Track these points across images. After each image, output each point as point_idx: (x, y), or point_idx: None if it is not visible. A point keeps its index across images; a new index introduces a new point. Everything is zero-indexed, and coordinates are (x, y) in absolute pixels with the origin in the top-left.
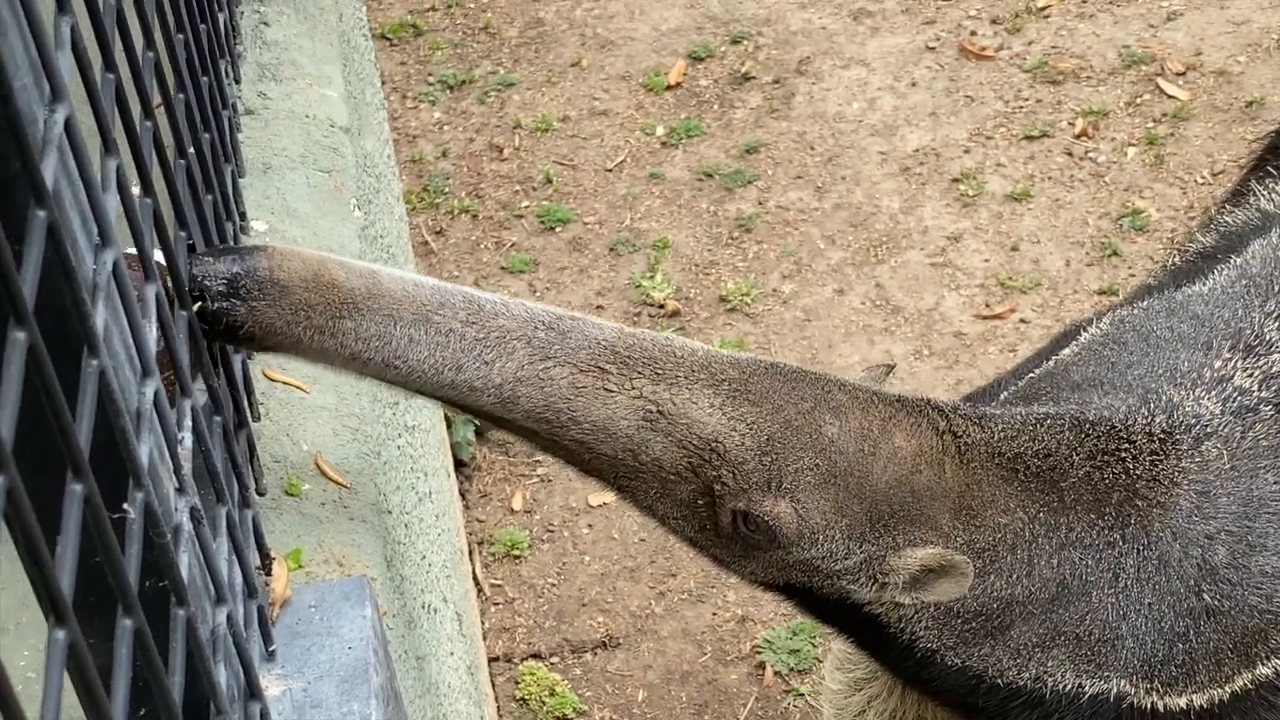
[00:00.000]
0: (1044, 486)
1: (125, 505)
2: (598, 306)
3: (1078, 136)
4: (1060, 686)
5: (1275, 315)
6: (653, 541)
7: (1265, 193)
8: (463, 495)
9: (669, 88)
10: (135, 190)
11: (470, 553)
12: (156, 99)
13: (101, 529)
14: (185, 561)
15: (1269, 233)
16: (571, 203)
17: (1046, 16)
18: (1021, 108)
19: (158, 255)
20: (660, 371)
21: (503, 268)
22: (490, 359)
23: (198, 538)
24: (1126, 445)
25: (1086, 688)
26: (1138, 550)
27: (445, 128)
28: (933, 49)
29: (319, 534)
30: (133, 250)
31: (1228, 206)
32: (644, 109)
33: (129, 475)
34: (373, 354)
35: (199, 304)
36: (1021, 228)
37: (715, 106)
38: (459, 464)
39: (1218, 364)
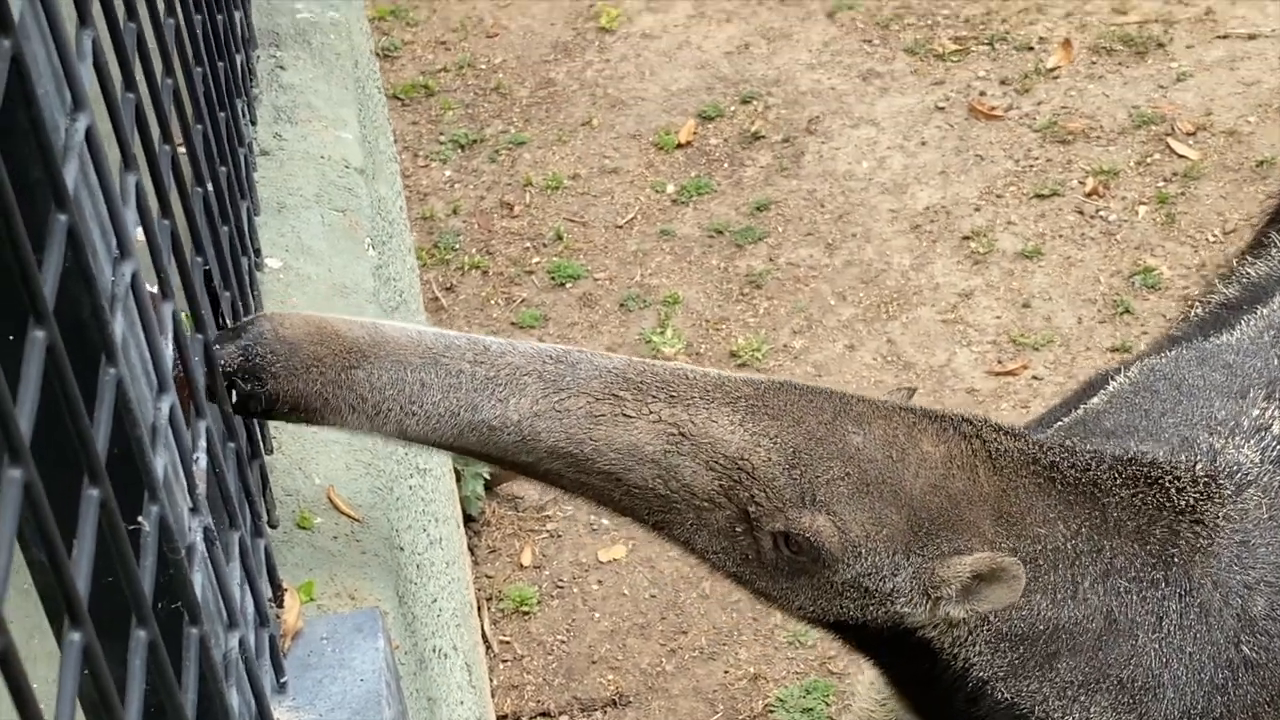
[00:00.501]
0: (1084, 501)
1: (140, 519)
2: None
3: (1088, 195)
4: None
5: None
6: (663, 598)
7: (1267, 261)
8: (471, 551)
9: (679, 146)
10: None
11: (479, 608)
12: (176, 130)
13: (116, 534)
14: (199, 581)
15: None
16: (582, 259)
17: (1056, 78)
18: (1032, 166)
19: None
20: (675, 395)
21: (513, 323)
22: (504, 396)
23: (210, 559)
24: (1170, 479)
25: None
26: (1179, 595)
27: (456, 185)
28: (942, 109)
29: (331, 567)
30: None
31: (1248, 258)
32: (654, 167)
33: (144, 488)
34: (389, 404)
35: (233, 393)
36: (1033, 285)
37: (725, 165)
38: (468, 519)
39: (1255, 412)
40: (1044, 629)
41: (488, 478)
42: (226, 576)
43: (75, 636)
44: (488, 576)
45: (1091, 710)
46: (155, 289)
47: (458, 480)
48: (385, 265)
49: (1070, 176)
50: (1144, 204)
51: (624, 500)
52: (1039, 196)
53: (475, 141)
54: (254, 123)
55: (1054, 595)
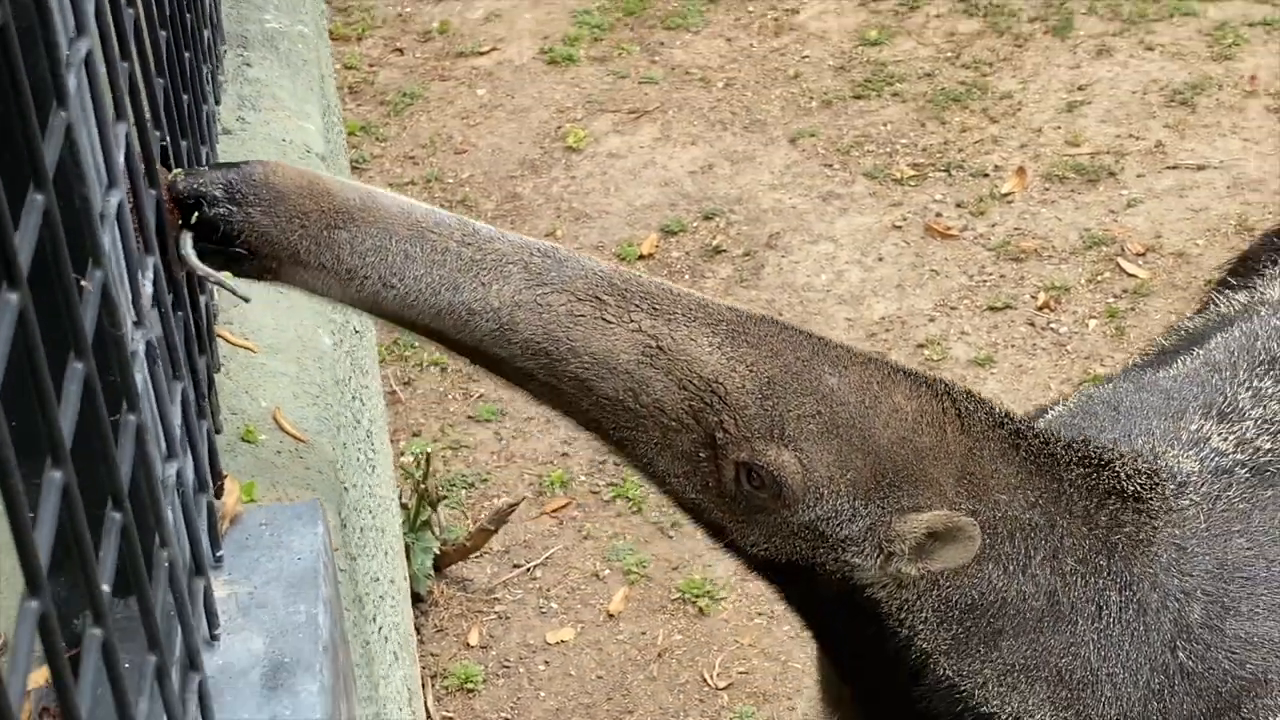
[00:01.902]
0: (1043, 474)
1: (83, 281)
2: (563, 454)
3: (1040, 309)
4: None
5: (1247, 385)
6: (610, 679)
7: (1224, 300)
8: (418, 630)
9: (641, 257)
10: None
11: (424, 685)
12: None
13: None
14: (140, 380)
15: (1230, 328)
16: None
17: (1010, 202)
18: (985, 281)
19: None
20: (658, 307)
21: (469, 416)
22: (488, 281)
23: (152, 378)
24: (1120, 463)
25: None
26: (1119, 587)
27: None
28: (899, 228)
29: (273, 476)
30: None
31: (1190, 316)
32: None
33: (88, 256)
34: (369, 270)
35: (197, 212)
36: (985, 390)
37: (686, 275)
38: (416, 598)
39: (1193, 427)
40: (992, 601)
41: (438, 553)
42: (166, 397)
43: None
44: (433, 655)
45: (1030, 701)
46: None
47: (407, 554)
48: None
49: (1023, 291)
50: (1094, 318)
51: (592, 411)
52: (992, 309)
53: None
54: (218, 101)
55: (1006, 566)
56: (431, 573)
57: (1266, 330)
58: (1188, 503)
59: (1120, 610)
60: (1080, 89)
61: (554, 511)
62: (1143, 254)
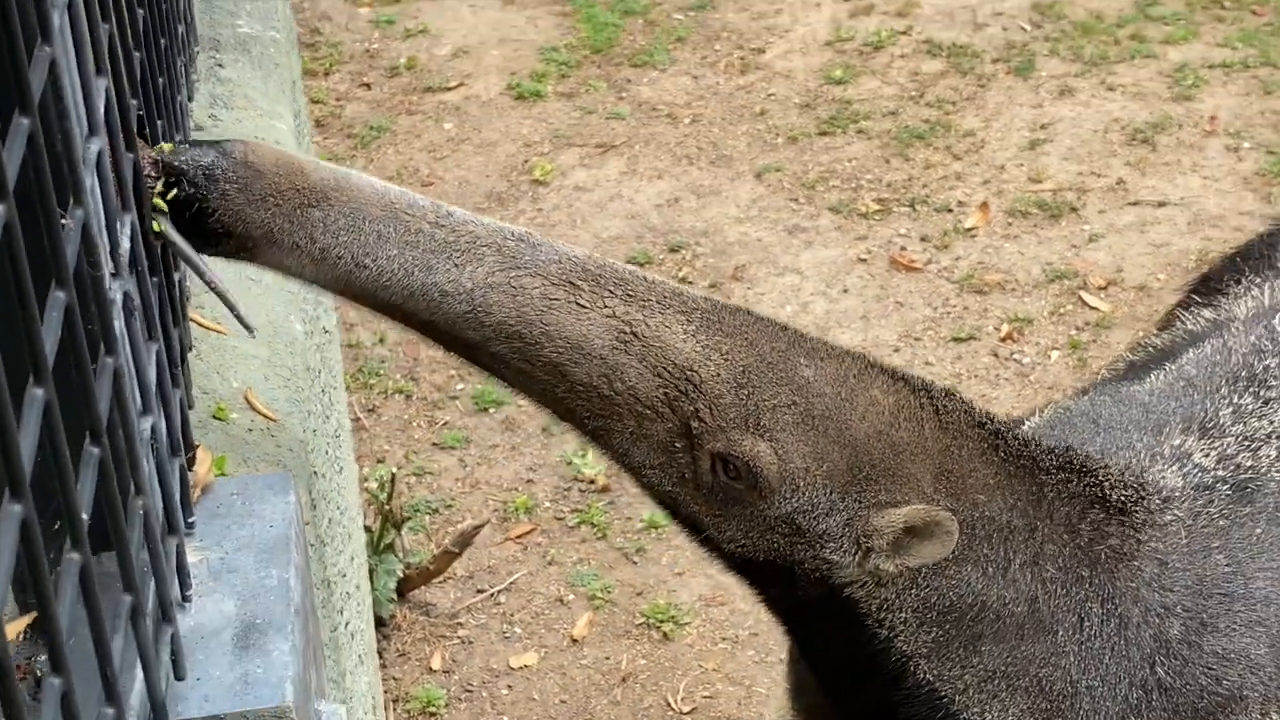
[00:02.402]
0: (1023, 476)
1: (65, 218)
2: (528, 481)
3: (1003, 340)
4: None
5: (1228, 401)
6: (574, 704)
7: (1190, 318)
8: (380, 654)
9: None
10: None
11: (385, 709)
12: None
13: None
14: (118, 328)
15: (1201, 344)
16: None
17: (973, 236)
18: (949, 313)
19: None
20: (633, 293)
21: (434, 444)
22: (461, 262)
23: (128, 332)
24: (1104, 473)
25: None
26: (1101, 599)
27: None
28: (864, 260)
29: (245, 453)
30: None
31: (1156, 332)
32: None
33: (70, 195)
34: (342, 250)
35: (175, 188)
36: None
37: None
38: (379, 622)
39: (1175, 442)
40: (971, 604)
41: (401, 577)
42: (142, 351)
43: None
44: (395, 679)
45: (1010, 711)
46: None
47: (370, 577)
48: None
49: (986, 323)
50: (1057, 349)
51: (566, 398)
52: (956, 340)
53: None
54: (190, 98)
55: (985, 569)
56: (395, 596)
57: (1242, 347)
58: (1171, 518)
59: (1102, 623)
60: (1042, 127)
61: (518, 537)
62: (1104, 287)
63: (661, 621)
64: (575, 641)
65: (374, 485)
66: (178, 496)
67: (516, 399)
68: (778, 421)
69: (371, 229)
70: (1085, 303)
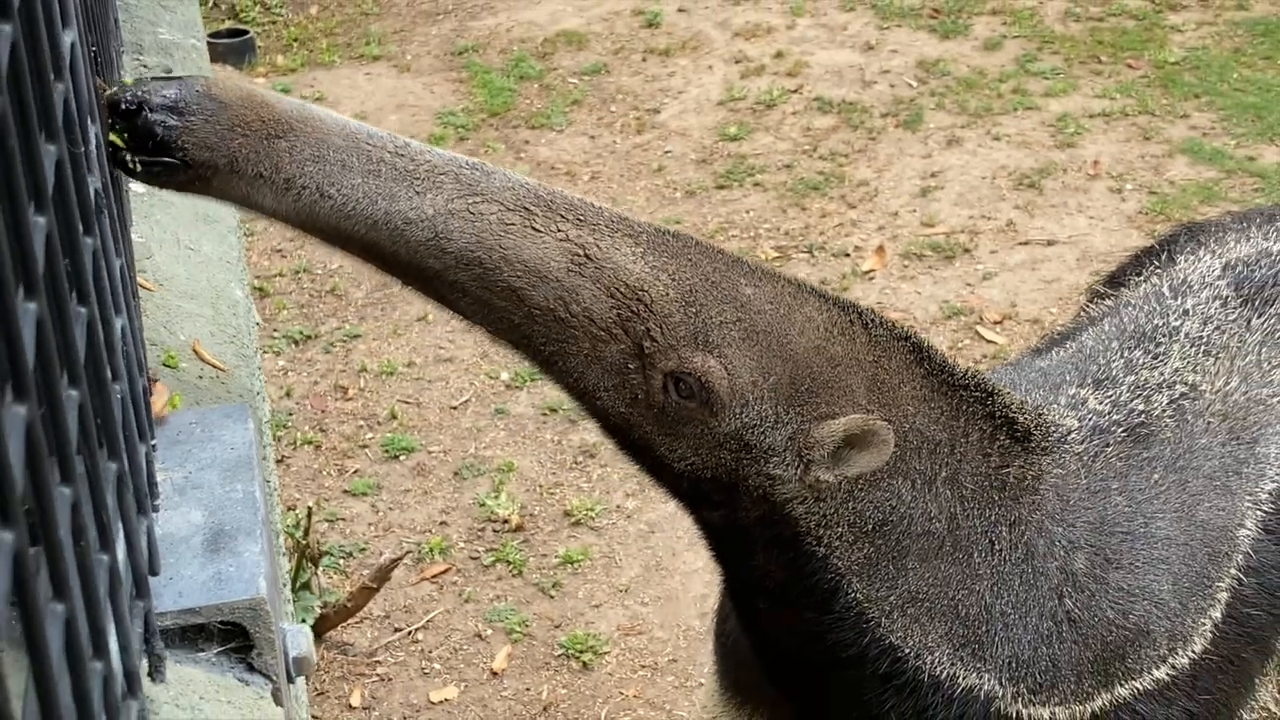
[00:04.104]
0: (945, 392)
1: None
2: (442, 523)
3: None
4: (937, 670)
5: (1119, 355)
6: None
7: (1092, 307)
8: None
9: None
10: None
11: None
12: None
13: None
14: (89, 246)
15: (1098, 323)
16: (416, 435)
17: (871, 279)
18: None
19: None
20: (583, 218)
21: (345, 491)
22: (422, 190)
23: (99, 232)
24: (1010, 399)
25: (960, 678)
26: (1009, 524)
27: (290, 373)
28: None
29: (197, 397)
30: None
31: (1062, 325)
32: (489, 357)
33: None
34: (306, 179)
35: (139, 116)
36: None
37: None
38: None
39: (1071, 392)
40: (902, 516)
41: (319, 615)
42: (113, 262)
43: None
44: (315, 716)
45: (930, 636)
46: None
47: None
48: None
49: None
50: None
51: (523, 325)
52: None
53: (310, 337)
54: None
55: (914, 481)
56: (311, 636)
57: (1133, 312)
58: (1069, 454)
59: (1011, 548)
60: (932, 175)
61: (434, 577)
62: (1000, 322)
63: (580, 652)
64: (495, 675)
65: (290, 523)
66: (144, 407)
67: (428, 447)
68: (725, 338)
69: (336, 158)
70: (982, 336)
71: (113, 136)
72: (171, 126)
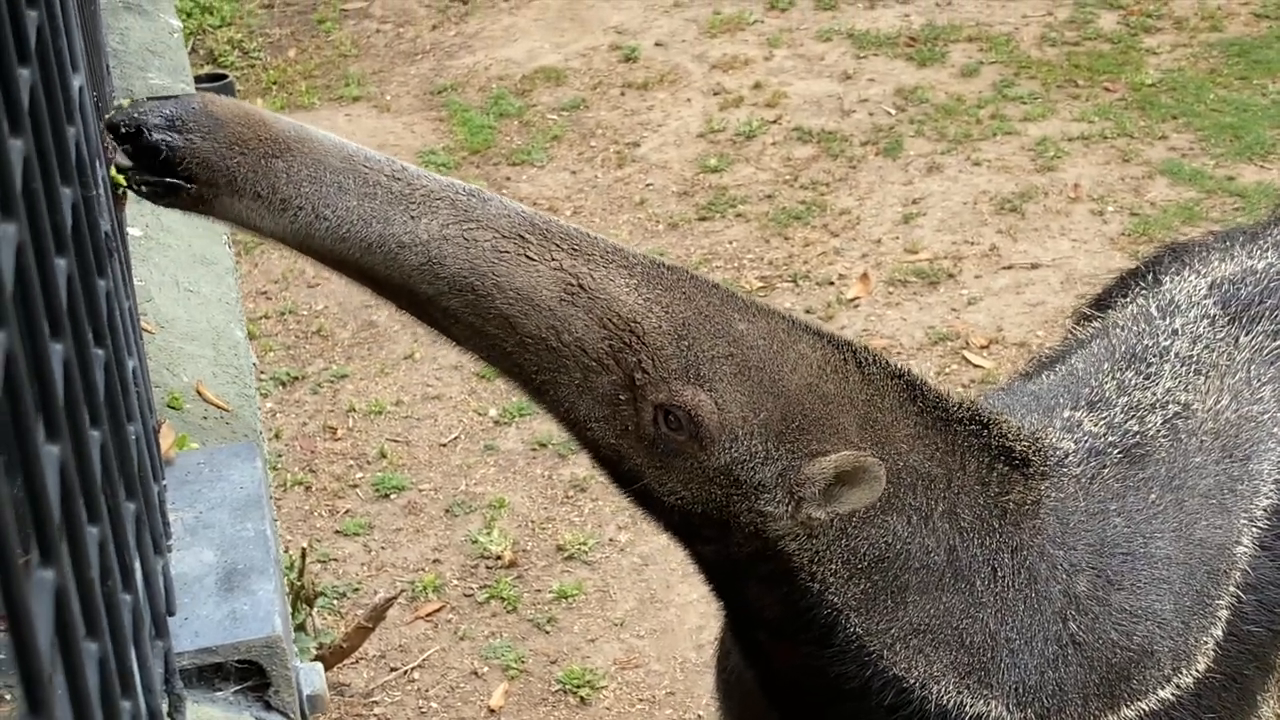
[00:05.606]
0: (939, 427)
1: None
2: (434, 561)
3: None
4: (944, 700)
5: (1111, 377)
6: None
7: (1080, 330)
8: None
9: None
10: None
11: None
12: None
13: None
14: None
15: (1087, 346)
16: (406, 473)
17: (856, 306)
18: None
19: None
20: (578, 248)
21: (337, 531)
22: (417, 214)
23: (111, 270)
24: (1006, 426)
25: (968, 706)
26: (1011, 550)
27: (278, 415)
28: None
29: (203, 437)
30: None
31: (1049, 348)
32: (476, 394)
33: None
34: (303, 200)
35: (139, 137)
36: None
37: None
38: None
39: (1065, 414)
40: (898, 553)
41: (314, 656)
42: (124, 301)
43: None
44: None
45: (935, 666)
46: None
47: None
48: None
49: None
50: None
51: (515, 353)
52: None
53: (296, 379)
54: None
55: (909, 517)
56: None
57: (1123, 333)
58: (1067, 478)
59: (1013, 574)
60: (914, 202)
61: (428, 615)
62: (986, 346)
63: (578, 687)
64: (493, 712)
65: (284, 564)
66: (156, 450)
67: (419, 485)
68: (716, 372)
69: (332, 180)
70: (969, 361)
71: (113, 173)
72: (173, 144)
